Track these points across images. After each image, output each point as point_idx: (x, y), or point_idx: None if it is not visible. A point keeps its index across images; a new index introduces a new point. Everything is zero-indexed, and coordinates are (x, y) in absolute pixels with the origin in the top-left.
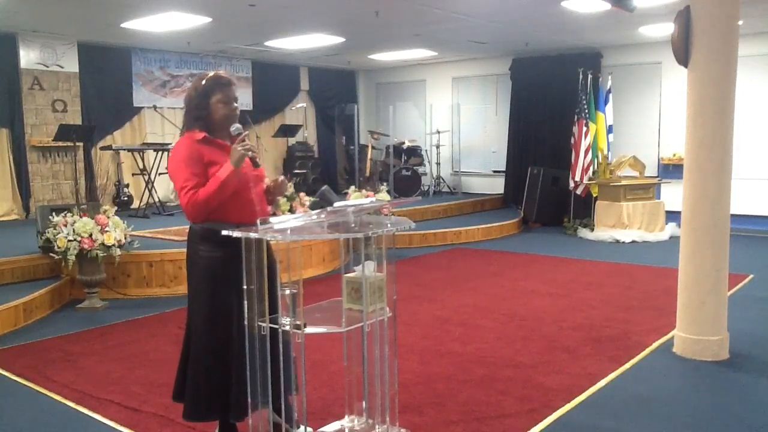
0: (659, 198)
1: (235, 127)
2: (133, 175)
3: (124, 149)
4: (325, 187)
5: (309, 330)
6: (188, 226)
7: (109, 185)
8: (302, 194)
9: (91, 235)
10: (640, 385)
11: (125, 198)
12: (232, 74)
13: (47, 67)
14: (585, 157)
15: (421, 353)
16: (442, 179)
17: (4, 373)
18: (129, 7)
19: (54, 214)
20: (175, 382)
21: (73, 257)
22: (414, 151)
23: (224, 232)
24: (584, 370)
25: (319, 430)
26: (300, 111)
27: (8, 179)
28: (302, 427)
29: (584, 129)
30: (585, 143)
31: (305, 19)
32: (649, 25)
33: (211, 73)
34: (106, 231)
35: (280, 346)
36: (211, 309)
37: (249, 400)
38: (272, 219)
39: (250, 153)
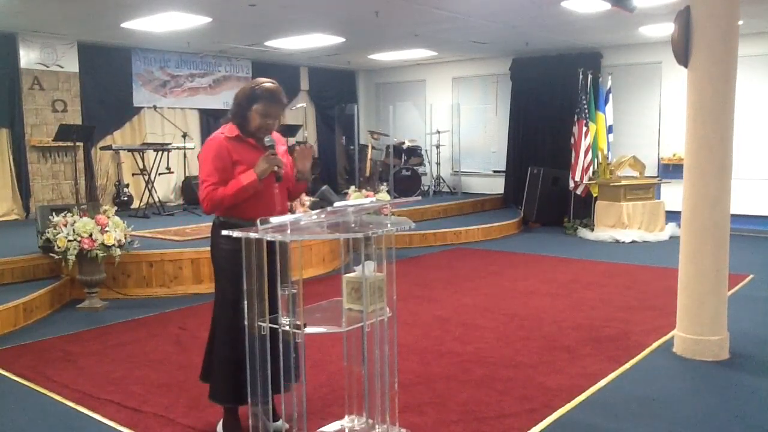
0: (659, 198)
1: (268, 138)
2: (133, 175)
3: (124, 149)
4: (325, 187)
5: (309, 330)
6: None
7: (109, 185)
8: (302, 194)
9: (91, 235)
10: (640, 385)
11: (125, 198)
12: (233, 74)
13: (47, 67)
14: (585, 157)
15: (421, 353)
16: (442, 179)
17: (4, 373)
18: (129, 7)
19: (54, 214)
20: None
21: (73, 257)
22: (414, 151)
23: (224, 232)
24: (584, 370)
25: (319, 430)
26: (300, 111)
27: (8, 179)
28: (280, 421)
29: (584, 129)
30: (585, 143)
31: (305, 19)
32: (649, 25)
33: (268, 84)
34: (106, 231)
35: (280, 346)
36: (232, 299)
37: (249, 399)
38: (272, 219)
39: (275, 168)
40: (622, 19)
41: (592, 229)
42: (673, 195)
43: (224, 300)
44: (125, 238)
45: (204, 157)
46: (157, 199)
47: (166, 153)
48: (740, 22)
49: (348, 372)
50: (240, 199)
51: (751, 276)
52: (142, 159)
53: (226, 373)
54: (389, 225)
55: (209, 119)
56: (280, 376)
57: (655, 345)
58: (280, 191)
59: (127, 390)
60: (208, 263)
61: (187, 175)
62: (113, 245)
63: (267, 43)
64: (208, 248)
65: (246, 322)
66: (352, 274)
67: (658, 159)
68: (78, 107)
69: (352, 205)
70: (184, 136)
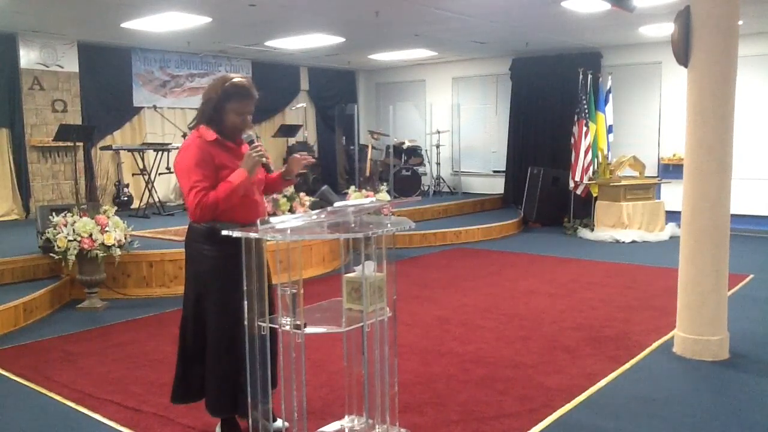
0: (659, 198)
1: (247, 134)
2: (133, 175)
3: (124, 149)
4: (325, 187)
5: (309, 330)
6: (188, 226)
7: (109, 185)
8: (302, 194)
9: (91, 235)
10: (640, 385)
11: (125, 198)
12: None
13: (47, 67)
14: (585, 157)
15: (421, 353)
16: (442, 179)
17: (4, 373)
18: (129, 7)
19: (54, 214)
20: (175, 384)
21: (73, 257)
22: (414, 151)
23: (224, 232)
24: (584, 370)
25: (319, 430)
26: (300, 111)
27: (8, 179)
28: (279, 421)
29: (584, 129)
30: (585, 143)
31: (305, 19)
32: (649, 25)
33: (237, 79)
34: (106, 231)
35: (280, 346)
36: (222, 307)
37: (249, 399)
38: (272, 219)
39: (264, 159)
40: (622, 19)
41: (592, 229)
42: (673, 195)
43: (217, 312)
44: (125, 238)
45: (187, 163)
46: (157, 199)
47: (166, 153)
48: (740, 22)
49: (348, 372)
50: (232, 201)
51: (751, 276)
52: (142, 159)
53: (226, 385)
54: (389, 225)
55: None
56: (278, 378)
57: (655, 345)
58: (258, 191)
59: (126, 390)
60: None
61: None
62: (113, 245)
63: (267, 43)
64: None
65: (246, 323)
66: (352, 274)
67: (658, 159)
68: (78, 107)
69: (352, 205)
70: (184, 136)
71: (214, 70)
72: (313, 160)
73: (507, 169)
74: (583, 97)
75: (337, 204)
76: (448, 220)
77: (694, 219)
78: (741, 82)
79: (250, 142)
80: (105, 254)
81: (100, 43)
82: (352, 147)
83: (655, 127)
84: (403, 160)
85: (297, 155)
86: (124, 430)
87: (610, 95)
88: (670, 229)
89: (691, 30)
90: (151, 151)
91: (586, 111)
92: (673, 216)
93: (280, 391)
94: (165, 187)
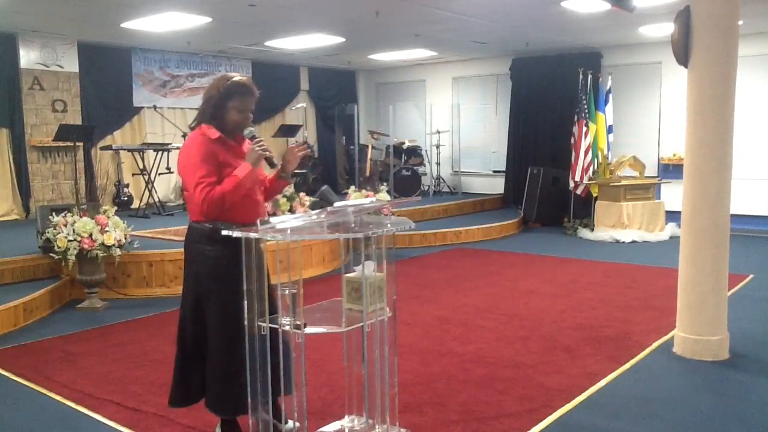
0: (659, 198)
1: (248, 130)
2: (133, 175)
3: (124, 149)
4: (325, 187)
5: (309, 330)
6: (188, 227)
7: (109, 185)
8: (302, 194)
9: (91, 235)
10: (640, 385)
11: (125, 198)
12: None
13: (47, 67)
14: (585, 157)
15: (421, 353)
16: (442, 179)
17: (4, 373)
18: (129, 7)
19: (54, 214)
20: (174, 387)
21: (73, 257)
22: (414, 151)
23: (224, 232)
24: (584, 370)
25: (319, 430)
26: (300, 111)
27: (8, 179)
28: (290, 423)
29: (584, 129)
30: (585, 143)
31: (305, 19)
32: (649, 25)
33: (237, 77)
34: (106, 231)
35: (280, 346)
36: (224, 307)
37: (249, 399)
38: (272, 219)
39: (267, 153)
40: (622, 19)
41: (592, 229)
42: (673, 195)
43: (219, 312)
44: (125, 238)
45: (192, 160)
46: (157, 199)
47: (166, 153)
48: (740, 22)
49: (348, 372)
50: (238, 196)
51: (751, 276)
52: (142, 159)
53: (227, 385)
54: (389, 225)
55: None
56: (280, 377)
57: (655, 345)
58: (259, 191)
59: (126, 390)
60: None
61: None
62: (113, 245)
63: (267, 43)
64: None
65: (246, 323)
66: (352, 274)
67: (658, 159)
68: (78, 107)
69: (352, 205)
70: (184, 136)
71: (214, 70)
72: (309, 150)
73: (507, 169)
74: (583, 97)
75: (337, 204)
76: (448, 220)
77: (694, 219)
78: (741, 82)
79: (252, 138)
80: (105, 254)
81: (100, 43)
82: (352, 147)
83: (655, 127)
84: (403, 160)
85: (293, 145)
86: (124, 430)
87: (610, 95)
88: (670, 229)
89: (691, 30)
90: (151, 151)
91: (586, 111)
92: (673, 216)
93: (279, 390)
94: (165, 187)
